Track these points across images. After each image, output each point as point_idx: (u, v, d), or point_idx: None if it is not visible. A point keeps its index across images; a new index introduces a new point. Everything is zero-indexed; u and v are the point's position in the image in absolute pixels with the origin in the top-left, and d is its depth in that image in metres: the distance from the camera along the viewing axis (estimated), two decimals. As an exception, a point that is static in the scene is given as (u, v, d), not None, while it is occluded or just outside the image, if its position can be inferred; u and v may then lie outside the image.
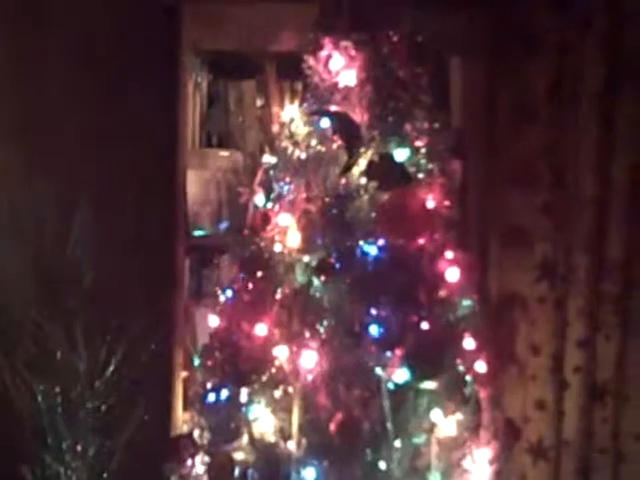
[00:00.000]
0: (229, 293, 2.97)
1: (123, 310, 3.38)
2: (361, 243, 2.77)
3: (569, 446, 3.75)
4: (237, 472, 2.86)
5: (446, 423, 2.81)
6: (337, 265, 2.75)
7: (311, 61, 2.88)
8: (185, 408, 3.57)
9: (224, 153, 3.72)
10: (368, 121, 2.83)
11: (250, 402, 2.83)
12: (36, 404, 3.36)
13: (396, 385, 2.73)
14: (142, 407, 3.35)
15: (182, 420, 3.54)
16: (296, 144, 2.88)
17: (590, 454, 3.75)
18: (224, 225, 3.64)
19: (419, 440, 2.79)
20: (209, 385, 2.94)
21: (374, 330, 2.71)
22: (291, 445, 2.78)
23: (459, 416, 2.83)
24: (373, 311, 2.72)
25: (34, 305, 3.42)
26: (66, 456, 3.35)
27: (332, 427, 2.71)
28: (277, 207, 2.90)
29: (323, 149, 2.85)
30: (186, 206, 3.65)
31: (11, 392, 3.35)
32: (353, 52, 2.83)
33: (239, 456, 2.86)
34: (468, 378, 2.86)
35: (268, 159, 2.98)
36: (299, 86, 3.59)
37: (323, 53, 2.85)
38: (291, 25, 3.42)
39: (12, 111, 3.69)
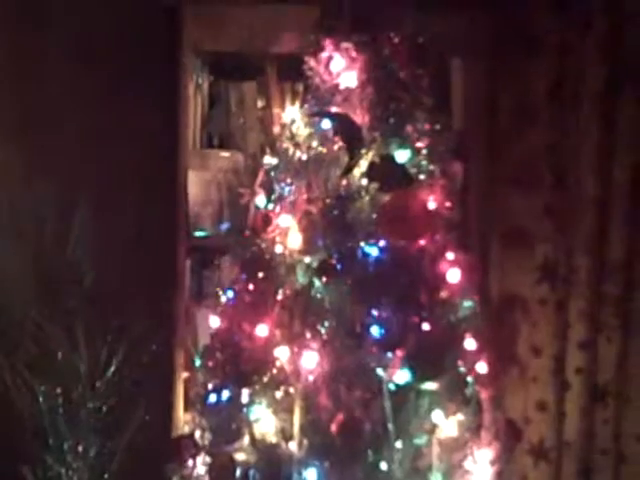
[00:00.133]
0: (230, 294, 2.97)
1: (124, 311, 3.37)
2: (362, 244, 2.77)
3: (570, 447, 3.75)
4: (238, 473, 2.86)
5: (447, 424, 2.81)
6: (338, 266, 2.75)
7: (312, 62, 2.88)
8: (186, 409, 3.56)
9: (225, 154, 3.72)
10: (369, 122, 2.83)
11: (251, 403, 2.83)
12: (37, 405, 3.35)
13: (397, 386, 2.73)
14: (143, 408, 3.35)
15: (183, 421, 3.54)
16: (297, 145, 2.88)
17: (591, 455, 3.75)
18: (225, 226, 3.64)
19: (420, 441, 2.79)
20: (210, 386, 2.94)
21: (375, 331, 2.71)
22: (292, 446, 2.78)
23: (460, 417, 2.84)
24: (374, 312, 2.72)
25: (34, 305, 3.42)
26: (67, 457, 3.35)
27: (333, 428, 2.71)
28: (278, 208, 2.90)
29: (324, 150, 2.85)
30: (187, 207, 3.65)
31: (12, 393, 3.35)
32: (354, 53, 2.83)
33: (240, 457, 2.86)
34: (469, 379, 2.86)
35: (269, 160, 2.98)
36: (300, 87, 3.60)
37: (324, 54, 2.85)
38: (292, 26, 3.43)
39: (12, 111, 3.69)
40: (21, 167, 3.68)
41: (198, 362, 3.10)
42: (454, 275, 2.84)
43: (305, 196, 2.83)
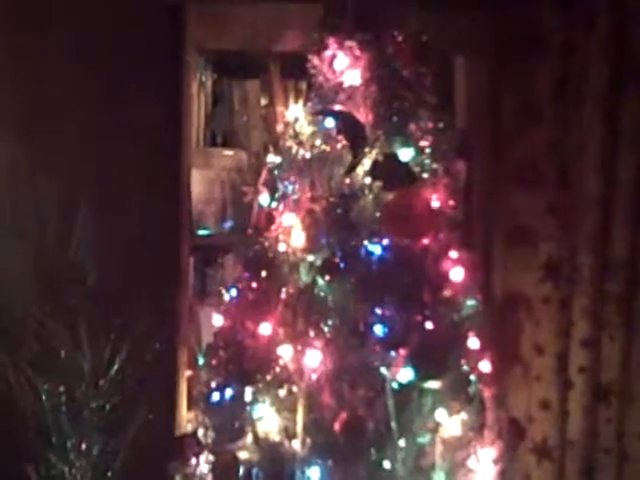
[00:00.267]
0: (233, 292, 2.97)
1: (127, 309, 3.38)
2: (365, 243, 2.77)
3: (573, 446, 3.75)
4: (241, 471, 2.86)
5: (450, 423, 2.81)
6: (341, 265, 2.75)
7: (315, 61, 2.88)
8: (189, 407, 3.56)
9: (228, 152, 3.72)
10: (372, 121, 2.83)
11: (254, 401, 2.83)
12: (40, 403, 3.35)
13: (400, 385, 2.73)
14: (146, 406, 3.35)
15: (186, 419, 3.54)
16: (300, 144, 2.88)
17: (594, 454, 3.75)
18: (228, 224, 3.64)
19: (423, 440, 2.79)
20: (213, 384, 2.94)
21: (378, 330, 2.71)
22: (295, 444, 2.78)
23: (463, 416, 2.83)
24: (377, 311, 2.72)
25: (37, 304, 3.42)
26: (70, 455, 3.35)
27: (336, 426, 2.71)
28: (281, 207, 2.90)
29: (327, 149, 2.85)
30: (190, 205, 3.64)
31: (15, 391, 3.35)
32: (357, 52, 2.83)
33: (243, 455, 2.86)
34: (472, 378, 2.86)
35: (272, 158, 2.98)
36: (303, 86, 3.60)
37: (327, 53, 2.85)
38: (295, 25, 3.43)
39: (14, 111, 3.69)
40: (23, 167, 3.68)
41: (201, 360, 3.10)
42: (457, 274, 2.84)
43: (308, 194, 2.83)
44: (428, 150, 2.87)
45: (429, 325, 2.74)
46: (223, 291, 3.02)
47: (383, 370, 2.72)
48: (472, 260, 2.91)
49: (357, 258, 2.77)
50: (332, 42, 2.84)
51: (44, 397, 3.35)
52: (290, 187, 2.88)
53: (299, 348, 2.76)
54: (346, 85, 2.85)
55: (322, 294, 2.78)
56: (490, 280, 3.68)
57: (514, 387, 3.75)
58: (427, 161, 2.87)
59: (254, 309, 2.87)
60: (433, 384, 2.75)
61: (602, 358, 3.73)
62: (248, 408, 2.84)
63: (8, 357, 3.37)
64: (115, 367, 3.36)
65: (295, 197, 2.86)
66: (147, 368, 3.32)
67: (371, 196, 2.80)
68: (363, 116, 2.82)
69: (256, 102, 3.72)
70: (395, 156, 2.81)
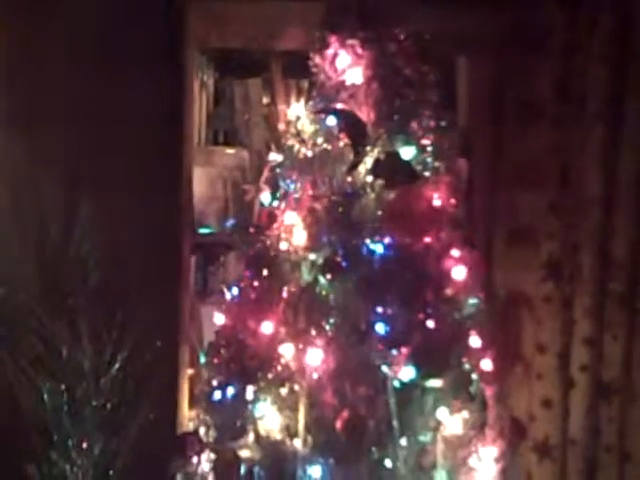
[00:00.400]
0: (235, 291, 2.97)
1: (129, 307, 3.38)
2: (367, 241, 2.77)
3: (575, 445, 3.75)
4: (243, 470, 2.86)
5: (452, 421, 2.81)
6: (343, 263, 2.75)
7: (317, 59, 2.88)
8: (191, 406, 3.57)
9: (230, 151, 3.73)
10: (374, 119, 2.83)
11: (256, 400, 2.83)
12: (42, 402, 3.36)
13: (402, 383, 2.73)
14: (148, 405, 3.35)
15: (188, 418, 3.55)
16: (302, 142, 2.88)
17: (596, 453, 3.75)
18: (230, 223, 3.64)
19: (425, 438, 2.79)
20: (215, 383, 2.93)
21: (380, 328, 2.71)
22: (297, 443, 2.78)
23: (465, 414, 2.83)
24: (379, 309, 2.72)
25: (39, 302, 3.42)
26: (72, 454, 3.35)
27: (338, 425, 2.71)
28: (283, 205, 2.89)
29: (329, 147, 2.85)
30: (192, 204, 3.65)
31: (17, 390, 3.36)
32: (359, 50, 2.83)
33: (245, 454, 2.86)
34: (474, 376, 2.86)
35: (274, 157, 2.98)
36: (305, 84, 3.60)
37: (329, 51, 2.85)
38: (297, 23, 3.43)
39: (16, 110, 3.69)
40: (24, 166, 3.67)
41: (203, 359, 3.10)
42: (459, 272, 2.84)
43: (310, 193, 2.83)
44: (430, 149, 2.88)
45: (431, 324, 2.74)
46: (225, 289, 3.02)
47: (385, 368, 2.72)
48: (474, 259, 2.91)
49: (359, 257, 2.76)
50: (334, 40, 2.84)
51: (45, 396, 3.35)
52: (292, 185, 2.88)
53: (301, 347, 2.76)
54: (348, 83, 2.85)
55: (324, 293, 2.78)
56: (492, 279, 3.68)
57: (515, 386, 3.75)
58: (429, 160, 2.87)
59: (256, 307, 2.87)
60: (435, 382, 2.75)
61: (604, 357, 3.72)
62: (250, 406, 2.84)
63: (10, 356, 3.37)
64: (116, 366, 3.36)
65: (297, 195, 2.86)
66: (148, 367, 3.32)
67: (373, 195, 2.80)
68: (365, 114, 2.83)
69: (258, 101, 3.73)
70: (397, 155, 2.81)
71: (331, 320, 2.75)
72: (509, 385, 3.68)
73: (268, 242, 2.89)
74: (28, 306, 3.43)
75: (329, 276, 2.77)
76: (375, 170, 2.79)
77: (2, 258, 3.67)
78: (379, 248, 2.76)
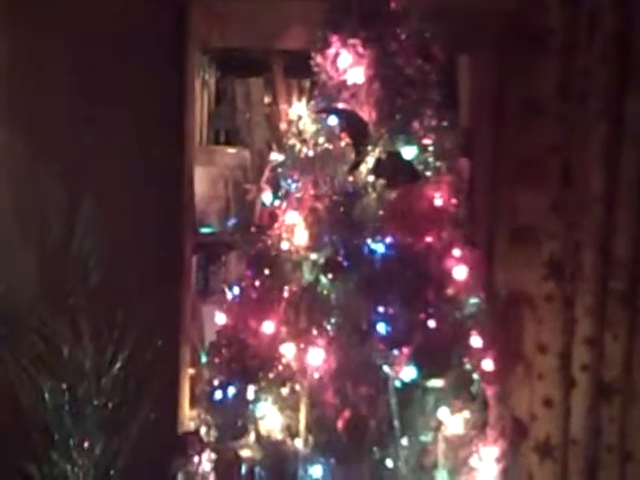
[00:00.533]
0: (236, 290, 2.97)
1: (130, 307, 3.38)
2: (369, 241, 2.77)
3: (576, 444, 3.75)
4: (244, 470, 2.86)
5: (453, 421, 2.81)
6: (345, 263, 2.74)
7: (319, 59, 2.88)
8: (192, 405, 3.57)
9: (232, 150, 3.72)
10: (376, 119, 2.82)
11: (257, 399, 2.83)
12: (43, 401, 3.36)
13: (403, 383, 2.73)
14: (149, 404, 3.35)
15: (189, 417, 3.55)
16: (304, 142, 2.87)
17: (597, 452, 3.75)
18: (231, 222, 3.64)
19: (426, 438, 2.79)
20: (216, 382, 2.93)
21: (381, 328, 2.70)
22: (298, 443, 2.78)
23: (466, 414, 2.83)
24: (381, 309, 2.72)
25: (40, 301, 3.42)
26: (73, 453, 3.35)
27: (339, 425, 2.71)
28: (285, 205, 2.89)
29: (331, 147, 2.84)
30: (193, 203, 3.65)
31: (18, 389, 3.36)
32: (361, 49, 2.82)
33: (246, 453, 2.86)
34: (475, 376, 2.86)
35: (276, 156, 2.98)
36: (307, 84, 3.60)
37: (331, 51, 2.85)
38: (299, 23, 3.43)
39: (17, 109, 3.69)
40: (26, 165, 3.68)
41: (204, 358, 3.10)
42: (460, 272, 2.84)
43: (312, 192, 2.83)
44: (431, 148, 2.87)
45: (432, 323, 2.73)
46: (226, 289, 3.02)
47: (386, 368, 2.72)
48: (475, 258, 2.91)
49: (360, 256, 2.76)
50: (335, 40, 2.84)
51: (47, 395, 3.35)
52: (293, 185, 2.88)
53: (302, 346, 2.76)
54: (349, 83, 2.85)
55: (325, 292, 2.78)
56: (493, 278, 3.68)
57: (517, 385, 3.75)
58: (430, 159, 2.87)
59: (257, 307, 2.87)
60: (436, 382, 2.75)
61: (605, 356, 3.73)
62: (251, 406, 2.84)
63: (10, 355, 3.38)
64: (118, 365, 3.37)
65: (298, 195, 2.86)
66: (150, 366, 3.32)
67: (374, 194, 2.79)
68: (366, 114, 2.82)
69: (259, 100, 3.72)
70: (398, 154, 2.81)
71: (332, 320, 2.75)
72: (510, 385, 3.68)
73: (269, 242, 2.88)
74: (29, 305, 3.43)
75: (330, 276, 2.76)
76: (376, 170, 2.79)
77: (3, 256, 3.68)
78: (380, 248, 2.76)
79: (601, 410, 3.75)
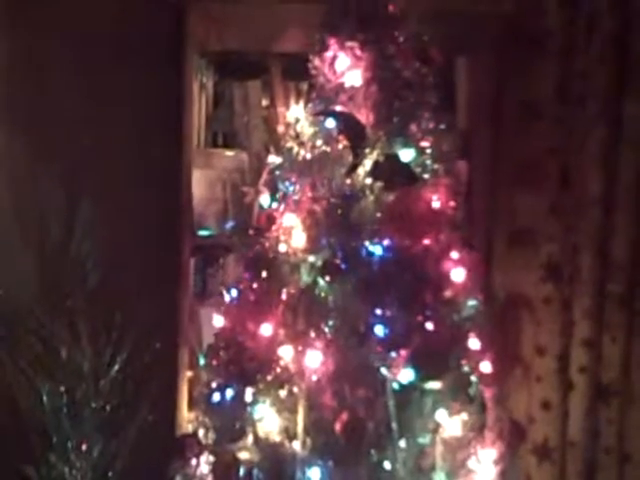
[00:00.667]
0: (234, 293, 2.97)
1: (128, 309, 3.38)
2: (366, 243, 2.77)
3: (574, 446, 3.75)
4: (242, 472, 2.86)
5: (451, 423, 2.81)
6: (342, 265, 2.74)
7: (316, 61, 2.88)
8: (190, 408, 3.57)
9: (229, 153, 3.73)
10: (373, 121, 2.83)
11: (255, 402, 2.83)
12: (41, 403, 3.36)
13: (401, 385, 2.73)
14: (147, 407, 3.35)
15: (187, 420, 3.54)
16: (301, 144, 2.88)
17: (595, 454, 3.75)
18: (229, 225, 3.64)
19: (424, 440, 2.79)
20: (214, 385, 2.93)
21: (379, 330, 2.71)
22: (296, 445, 2.78)
23: (464, 416, 2.83)
24: (378, 311, 2.72)
25: (38, 303, 3.42)
26: (71, 456, 3.35)
27: (337, 427, 2.71)
28: (282, 207, 2.89)
29: (328, 149, 2.84)
30: (191, 206, 3.65)
31: (16, 391, 3.35)
32: (358, 52, 2.82)
33: (244, 456, 2.86)
34: (473, 378, 2.86)
35: (273, 159, 2.98)
36: (304, 86, 3.59)
37: (328, 53, 2.85)
38: (296, 25, 3.43)
39: (17, 110, 3.69)
40: (25, 167, 3.68)
41: (202, 361, 3.10)
42: (458, 274, 2.84)
43: (309, 195, 2.83)
44: (429, 151, 2.87)
45: (430, 326, 2.74)
46: (224, 291, 3.02)
47: (384, 371, 2.72)
48: (473, 261, 2.91)
49: (358, 259, 2.76)
50: (333, 43, 2.84)
51: (45, 397, 3.35)
52: (291, 188, 2.88)
53: (300, 349, 2.76)
54: (347, 86, 2.85)
55: (323, 295, 2.78)
56: (491, 281, 3.68)
57: (515, 388, 3.75)
58: (428, 162, 2.87)
59: (255, 310, 2.87)
60: (434, 385, 2.75)
61: (603, 358, 3.73)
62: (249, 409, 2.84)
63: (9, 356, 3.37)
64: (116, 367, 3.36)
65: (296, 198, 2.86)
66: (148, 368, 3.32)
67: (372, 197, 2.80)
68: (364, 117, 2.82)
69: (257, 103, 3.72)
70: (396, 157, 2.81)
71: (330, 322, 2.75)
72: (508, 387, 3.68)
73: (267, 244, 2.88)
74: (27, 307, 3.43)
75: (328, 278, 2.76)
76: (374, 172, 2.79)
77: (2, 258, 3.67)
78: (378, 250, 2.76)
79: (599, 412, 3.75)
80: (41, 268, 3.58)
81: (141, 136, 3.70)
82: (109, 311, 3.35)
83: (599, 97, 3.66)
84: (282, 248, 2.85)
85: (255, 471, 2.84)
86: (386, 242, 2.77)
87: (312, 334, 2.75)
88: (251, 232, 2.98)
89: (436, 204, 2.83)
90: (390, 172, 2.78)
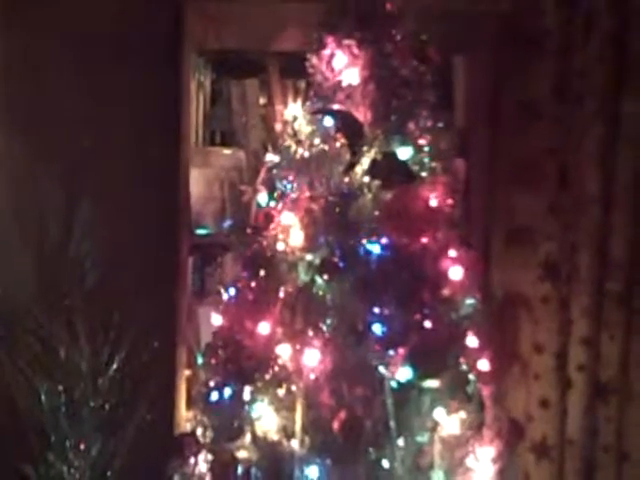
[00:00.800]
0: (232, 291, 2.97)
1: (126, 308, 3.38)
2: (364, 242, 2.77)
3: (573, 445, 3.75)
4: (240, 470, 2.86)
5: (449, 421, 2.81)
6: (340, 264, 2.75)
7: (314, 60, 2.88)
8: (188, 406, 3.56)
9: (227, 152, 3.72)
10: (371, 119, 2.83)
11: (253, 400, 2.83)
12: (39, 402, 3.36)
13: (399, 384, 2.73)
14: (145, 405, 3.35)
15: (185, 418, 3.54)
16: (299, 143, 2.88)
17: (594, 453, 3.75)
18: (227, 223, 3.64)
19: (422, 438, 2.79)
20: (212, 383, 2.93)
21: (377, 329, 2.71)
22: (294, 443, 2.78)
23: (462, 414, 2.83)
24: (376, 310, 2.72)
25: (36, 302, 3.42)
26: (69, 455, 3.35)
27: (335, 425, 2.71)
28: (280, 206, 2.89)
29: (326, 148, 2.85)
30: (189, 204, 3.64)
31: (14, 390, 3.35)
32: (356, 51, 2.82)
33: (242, 454, 2.86)
34: (471, 377, 2.86)
35: (271, 158, 2.98)
36: (302, 85, 3.60)
37: (326, 52, 2.85)
38: (294, 24, 3.43)
39: (16, 110, 3.69)
40: (24, 167, 3.68)
41: (200, 360, 3.10)
42: (456, 273, 2.84)
43: (307, 193, 2.83)
44: (427, 149, 2.87)
45: (428, 324, 2.74)
46: (222, 290, 3.02)
47: (382, 369, 2.72)
48: (471, 259, 2.91)
49: (356, 257, 2.76)
50: (331, 41, 2.84)
51: (43, 396, 3.35)
52: (289, 186, 2.88)
53: (298, 347, 2.76)
54: (345, 84, 2.85)
55: (321, 293, 2.78)
56: (489, 279, 3.68)
57: (513, 386, 3.75)
58: (426, 160, 2.87)
59: (253, 308, 2.87)
60: (432, 383, 2.75)
61: (601, 356, 3.73)
62: (247, 407, 2.84)
63: (7, 356, 3.37)
64: (114, 367, 3.36)
65: (294, 196, 2.86)
66: (146, 367, 3.32)
67: (370, 195, 2.80)
68: (362, 115, 2.82)
69: (255, 101, 3.72)
70: (394, 155, 2.81)
71: (328, 321, 2.75)
72: (506, 385, 3.68)
73: (265, 243, 2.88)
74: (26, 306, 3.43)
75: (326, 276, 2.76)
76: (372, 170, 2.79)
77: (0, 258, 3.67)
78: (376, 248, 2.76)
79: (597, 410, 3.75)
80: (39, 268, 3.58)
81: (139, 135, 3.70)
82: (107, 310, 3.35)
83: (597, 96, 3.66)
84: (280, 247, 2.85)
85: (253, 470, 2.84)
86: (384, 240, 2.77)
87: (310, 333, 2.75)
88: (249, 231, 2.98)
89: (434, 202, 2.83)
90: (388, 170, 2.78)
